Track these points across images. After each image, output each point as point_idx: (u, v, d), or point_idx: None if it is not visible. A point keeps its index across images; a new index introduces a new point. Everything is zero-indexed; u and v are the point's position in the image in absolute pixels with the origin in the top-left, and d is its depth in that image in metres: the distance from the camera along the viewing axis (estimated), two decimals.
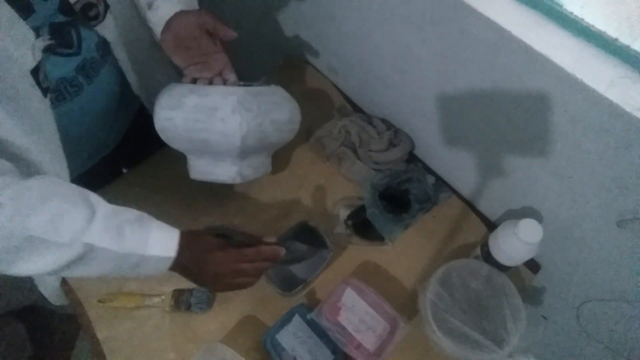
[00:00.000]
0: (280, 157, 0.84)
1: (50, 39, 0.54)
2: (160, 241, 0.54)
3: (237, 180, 0.69)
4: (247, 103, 0.63)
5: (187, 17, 0.64)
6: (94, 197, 0.52)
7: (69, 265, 0.48)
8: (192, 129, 0.63)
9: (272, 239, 0.64)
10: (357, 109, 0.96)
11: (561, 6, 0.49)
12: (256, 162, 0.71)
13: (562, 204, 0.64)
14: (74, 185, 0.51)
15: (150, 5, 0.65)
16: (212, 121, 0.62)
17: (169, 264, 0.54)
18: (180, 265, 0.55)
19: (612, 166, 0.52)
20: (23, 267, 0.47)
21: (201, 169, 0.70)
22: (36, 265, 0.47)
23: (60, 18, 0.56)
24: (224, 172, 0.69)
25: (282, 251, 0.63)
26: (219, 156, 0.68)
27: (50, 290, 0.76)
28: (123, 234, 0.51)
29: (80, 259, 0.49)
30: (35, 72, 0.51)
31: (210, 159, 0.69)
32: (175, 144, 0.68)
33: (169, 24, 0.64)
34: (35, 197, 0.46)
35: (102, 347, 0.69)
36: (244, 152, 0.67)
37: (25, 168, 0.54)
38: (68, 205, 0.48)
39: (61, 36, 0.57)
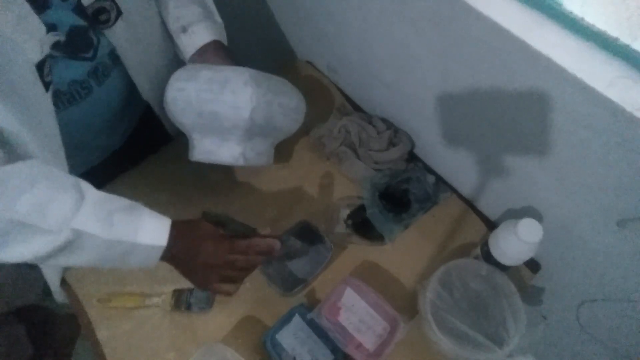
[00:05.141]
0: (281, 157, 0.84)
1: (66, 39, 0.54)
2: (151, 229, 0.53)
3: (240, 162, 0.68)
4: (259, 80, 0.65)
5: (222, 51, 0.71)
6: (84, 184, 0.51)
7: (59, 251, 0.48)
8: (204, 100, 0.64)
9: (267, 231, 0.63)
10: (357, 108, 0.96)
11: (561, 5, 0.49)
12: (260, 148, 0.71)
13: (562, 204, 0.64)
14: (62, 172, 0.50)
15: (184, 29, 0.69)
16: (224, 92, 0.63)
17: (159, 253, 0.53)
18: (171, 255, 0.54)
19: (612, 166, 0.52)
20: (12, 253, 0.46)
21: (205, 148, 0.69)
22: (24, 251, 0.46)
23: (80, 22, 0.57)
24: (228, 152, 0.68)
25: (277, 245, 0.60)
26: (224, 134, 0.67)
27: (54, 287, 0.76)
28: (112, 221, 0.50)
29: (68, 246, 0.48)
30: (40, 66, 0.51)
31: (215, 138, 0.68)
32: (184, 117, 0.67)
33: (203, 49, 0.69)
34: (22, 181, 0.45)
35: (102, 347, 0.69)
36: (251, 130, 0.66)
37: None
38: (56, 191, 0.47)
39: (80, 40, 0.58)
